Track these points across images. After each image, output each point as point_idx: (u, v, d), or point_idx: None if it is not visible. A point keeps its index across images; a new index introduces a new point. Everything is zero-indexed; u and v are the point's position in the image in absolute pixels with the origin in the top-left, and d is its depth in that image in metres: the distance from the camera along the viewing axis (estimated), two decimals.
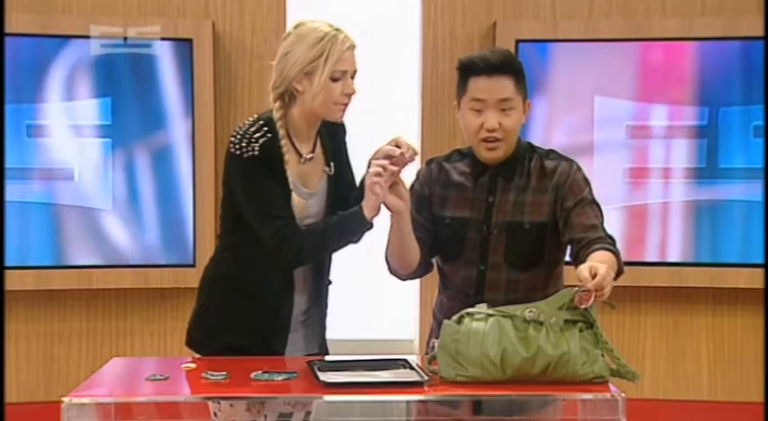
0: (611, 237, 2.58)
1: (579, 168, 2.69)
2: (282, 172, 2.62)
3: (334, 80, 2.59)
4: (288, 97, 2.65)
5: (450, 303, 2.73)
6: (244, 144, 2.59)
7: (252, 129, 2.62)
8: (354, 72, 2.65)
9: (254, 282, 2.69)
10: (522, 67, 2.67)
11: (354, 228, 2.60)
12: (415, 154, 2.56)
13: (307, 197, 2.68)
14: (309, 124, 2.69)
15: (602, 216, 2.64)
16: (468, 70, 2.64)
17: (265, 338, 2.70)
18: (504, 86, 2.60)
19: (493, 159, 2.66)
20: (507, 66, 2.62)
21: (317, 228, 2.64)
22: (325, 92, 2.59)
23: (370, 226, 2.59)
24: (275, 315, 2.70)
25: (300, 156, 2.68)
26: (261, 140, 2.60)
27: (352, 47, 2.64)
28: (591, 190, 2.67)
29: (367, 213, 2.55)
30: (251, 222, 2.65)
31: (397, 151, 2.54)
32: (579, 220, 2.58)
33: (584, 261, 2.43)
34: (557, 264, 2.71)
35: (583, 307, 2.31)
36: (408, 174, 2.68)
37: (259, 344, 2.68)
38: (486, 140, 2.62)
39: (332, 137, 2.78)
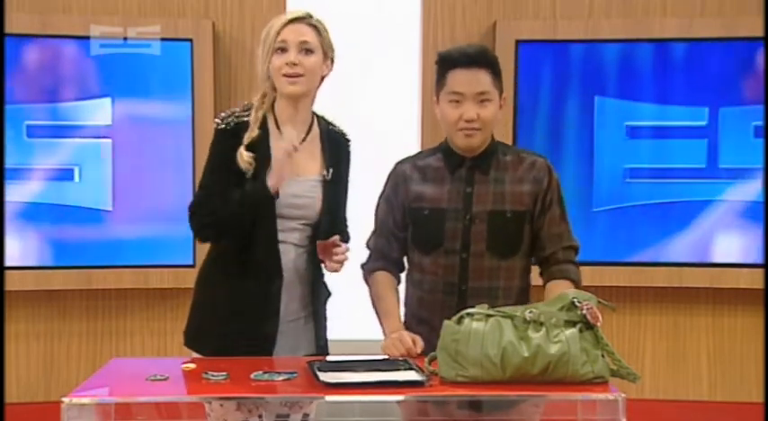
0: (571, 248, 2.77)
1: (552, 167, 2.81)
2: (254, 149, 2.69)
3: (279, 53, 2.72)
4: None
5: (431, 297, 2.76)
6: (221, 118, 2.75)
7: (239, 109, 2.78)
8: (302, 43, 2.71)
9: (237, 269, 2.73)
10: (498, 62, 2.75)
11: (256, 196, 2.66)
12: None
13: (292, 183, 2.72)
14: (288, 105, 2.76)
15: (566, 215, 2.80)
16: (447, 63, 2.72)
17: (256, 323, 2.72)
18: (481, 79, 2.68)
19: (469, 146, 2.72)
20: (485, 59, 2.71)
21: (219, 202, 2.68)
22: (270, 62, 2.73)
23: (272, 195, 2.67)
24: (262, 297, 2.72)
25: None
26: (241, 119, 2.73)
27: (295, 20, 2.73)
28: (561, 189, 2.81)
29: (270, 181, 2.65)
30: None
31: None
32: (548, 226, 2.74)
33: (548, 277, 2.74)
34: (531, 255, 2.81)
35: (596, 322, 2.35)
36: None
37: (249, 330, 2.71)
38: (462, 129, 2.69)
39: (333, 144, 2.84)
